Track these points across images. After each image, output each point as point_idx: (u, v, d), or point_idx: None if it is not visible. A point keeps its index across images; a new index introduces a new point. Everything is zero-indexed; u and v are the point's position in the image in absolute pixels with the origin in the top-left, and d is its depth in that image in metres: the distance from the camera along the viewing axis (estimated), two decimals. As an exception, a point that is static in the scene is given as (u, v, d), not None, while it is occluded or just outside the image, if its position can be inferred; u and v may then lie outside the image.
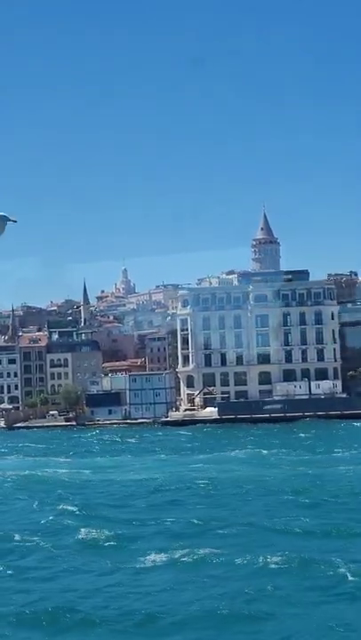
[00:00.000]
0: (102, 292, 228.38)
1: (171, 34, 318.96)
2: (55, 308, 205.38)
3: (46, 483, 56.93)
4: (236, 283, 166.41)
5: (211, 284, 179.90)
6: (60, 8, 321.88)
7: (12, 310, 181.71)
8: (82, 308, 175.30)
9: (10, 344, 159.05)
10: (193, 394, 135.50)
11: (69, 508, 43.96)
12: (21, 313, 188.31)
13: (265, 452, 73.17)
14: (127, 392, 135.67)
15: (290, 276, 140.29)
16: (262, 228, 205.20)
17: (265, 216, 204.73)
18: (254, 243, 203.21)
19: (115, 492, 51.56)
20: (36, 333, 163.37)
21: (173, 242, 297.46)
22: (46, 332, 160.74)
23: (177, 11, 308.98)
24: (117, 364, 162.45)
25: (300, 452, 72.83)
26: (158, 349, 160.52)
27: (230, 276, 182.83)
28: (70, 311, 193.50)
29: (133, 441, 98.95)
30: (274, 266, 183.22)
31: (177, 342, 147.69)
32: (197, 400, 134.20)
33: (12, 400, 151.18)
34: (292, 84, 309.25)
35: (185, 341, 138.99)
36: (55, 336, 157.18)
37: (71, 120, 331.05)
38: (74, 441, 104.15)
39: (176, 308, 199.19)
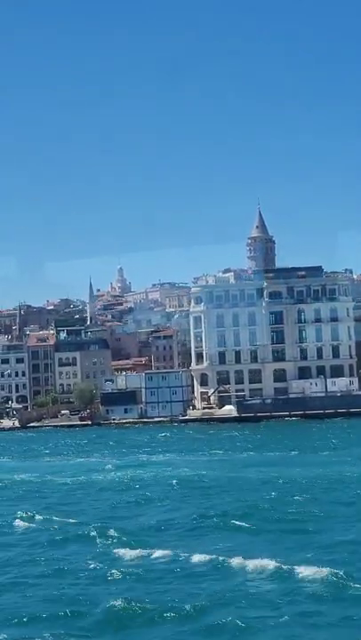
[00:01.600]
0: (98, 290, 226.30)
1: (171, 34, 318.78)
2: (52, 306, 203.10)
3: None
4: (232, 281, 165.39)
5: (207, 282, 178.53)
6: (60, 8, 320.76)
7: (19, 309, 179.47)
8: (88, 305, 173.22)
9: (18, 343, 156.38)
10: (207, 392, 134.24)
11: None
12: (22, 312, 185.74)
13: (325, 452, 71.73)
14: (143, 390, 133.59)
15: (303, 272, 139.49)
16: (257, 226, 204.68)
17: (260, 214, 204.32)
18: (249, 241, 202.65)
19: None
20: (44, 332, 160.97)
21: (170, 241, 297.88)
22: (53, 331, 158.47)
23: (177, 11, 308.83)
24: (122, 362, 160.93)
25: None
26: (164, 347, 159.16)
27: (227, 274, 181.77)
28: (68, 310, 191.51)
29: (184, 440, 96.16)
30: (269, 264, 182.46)
31: (185, 340, 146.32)
32: (212, 398, 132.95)
33: (21, 399, 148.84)
34: (291, 84, 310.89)
35: (198, 339, 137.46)
36: (63, 335, 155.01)
37: (71, 120, 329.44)
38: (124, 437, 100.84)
39: (174, 306, 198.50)
